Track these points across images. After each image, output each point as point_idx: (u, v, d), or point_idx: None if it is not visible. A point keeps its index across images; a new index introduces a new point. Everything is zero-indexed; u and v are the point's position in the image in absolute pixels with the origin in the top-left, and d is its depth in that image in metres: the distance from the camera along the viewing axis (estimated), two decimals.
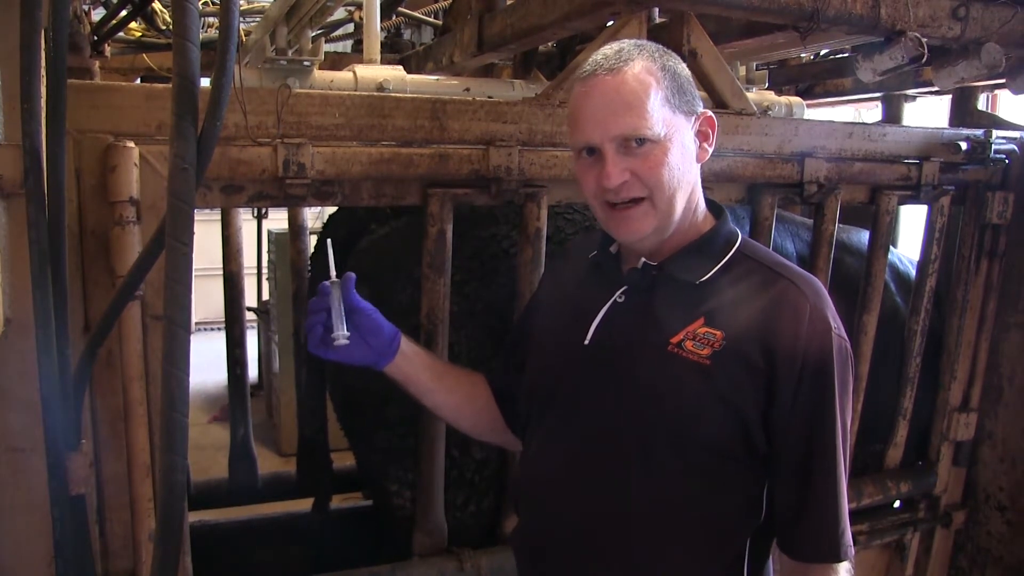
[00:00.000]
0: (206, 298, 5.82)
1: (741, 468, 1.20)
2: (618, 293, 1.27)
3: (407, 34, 4.53)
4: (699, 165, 1.25)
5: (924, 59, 1.92)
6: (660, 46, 1.23)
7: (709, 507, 1.21)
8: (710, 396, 1.16)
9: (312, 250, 2.60)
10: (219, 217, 2.81)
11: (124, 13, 2.43)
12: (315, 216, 6.86)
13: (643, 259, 1.26)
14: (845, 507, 1.19)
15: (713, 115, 1.25)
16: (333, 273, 1.34)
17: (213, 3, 3.04)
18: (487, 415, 1.51)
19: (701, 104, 1.25)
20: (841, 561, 1.19)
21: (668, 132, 1.17)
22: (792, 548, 1.22)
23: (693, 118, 1.22)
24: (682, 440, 1.18)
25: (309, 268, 2.78)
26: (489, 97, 2.28)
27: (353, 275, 1.35)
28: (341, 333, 1.31)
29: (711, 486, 1.20)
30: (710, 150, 1.25)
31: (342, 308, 1.32)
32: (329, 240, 1.40)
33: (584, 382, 1.27)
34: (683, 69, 1.23)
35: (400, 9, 3.61)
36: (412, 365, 1.42)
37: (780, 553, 1.25)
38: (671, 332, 1.19)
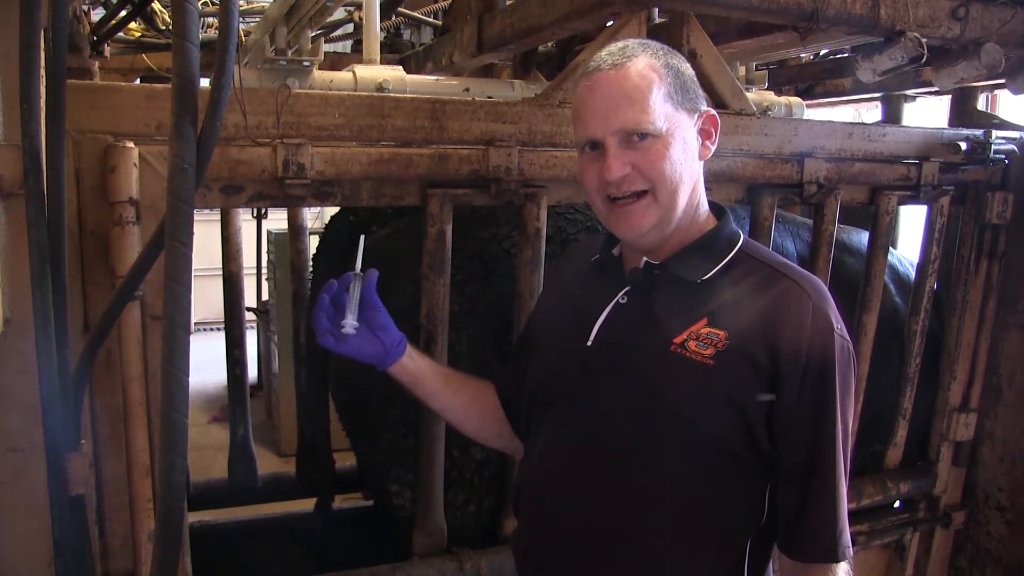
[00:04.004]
0: (206, 298, 5.82)
1: (744, 468, 1.20)
2: (620, 294, 1.27)
3: (407, 34, 4.53)
4: (702, 163, 1.25)
5: (924, 59, 1.92)
6: (664, 45, 1.24)
7: (711, 508, 1.21)
8: (713, 396, 1.16)
9: (313, 250, 2.60)
10: (219, 217, 2.81)
11: (124, 13, 2.43)
12: (314, 216, 6.88)
13: (645, 258, 1.26)
14: (844, 507, 1.19)
15: (716, 114, 1.25)
16: (359, 266, 1.37)
17: (213, 3, 3.04)
18: (493, 420, 1.51)
19: (705, 103, 1.25)
20: (839, 562, 1.19)
21: (670, 127, 1.17)
22: (791, 548, 1.22)
23: (696, 116, 1.23)
24: (685, 440, 1.18)
25: (311, 269, 2.78)
26: (489, 97, 2.28)
27: (376, 272, 1.37)
28: (350, 321, 1.33)
29: (714, 487, 1.20)
30: (713, 148, 1.25)
31: (357, 299, 1.34)
32: (363, 236, 1.43)
33: (587, 383, 1.27)
34: (687, 67, 1.23)
35: (400, 9, 3.61)
36: (418, 366, 1.43)
37: (779, 553, 1.25)
38: (674, 332, 1.19)
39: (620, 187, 1.18)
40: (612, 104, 1.17)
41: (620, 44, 1.22)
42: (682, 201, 1.21)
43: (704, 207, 1.29)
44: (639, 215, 1.20)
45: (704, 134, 1.24)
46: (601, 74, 1.18)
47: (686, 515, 1.21)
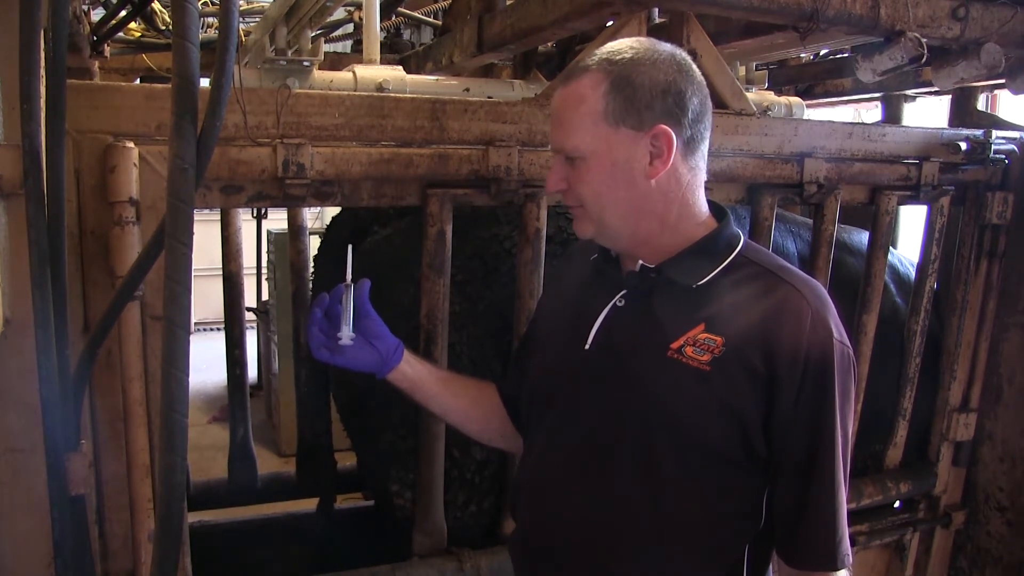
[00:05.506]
0: (206, 298, 5.81)
1: (741, 473, 1.20)
2: (617, 297, 1.26)
3: (407, 34, 4.54)
4: (655, 181, 1.18)
5: (924, 59, 1.92)
6: (647, 49, 1.18)
7: (709, 512, 1.20)
8: (710, 402, 1.15)
9: (314, 251, 2.60)
10: (219, 217, 2.81)
11: (124, 13, 2.43)
12: (314, 216, 6.87)
13: (640, 262, 1.25)
14: (844, 514, 1.18)
15: (670, 130, 1.16)
16: (349, 276, 1.36)
17: (213, 3, 3.04)
18: (496, 420, 1.50)
19: (666, 117, 1.16)
20: (838, 569, 1.18)
21: (597, 149, 1.16)
22: (789, 555, 1.22)
23: (643, 133, 1.16)
24: (682, 445, 1.18)
25: (311, 269, 2.78)
26: (489, 97, 2.28)
27: (368, 281, 1.37)
28: (347, 332, 1.33)
29: (711, 491, 1.20)
30: (665, 167, 1.18)
31: (351, 310, 1.34)
32: (351, 246, 1.42)
33: (584, 386, 1.26)
34: (650, 80, 1.15)
35: (400, 9, 3.61)
36: (416, 372, 1.43)
37: (778, 560, 1.24)
38: (671, 337, 1.18)
39: (563, 199, 1.26)
40: (553, 122, 1.23)
41: (585, 54, 1.23)
42: (613, 220, 1.20)
43: (699, 210, 1.26)
44: (578, 223, 1.26)
45: (655, 152, 1.17)
46: (555, 89, 1.23)
47: (683, 519, 1.20)
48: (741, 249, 1.25)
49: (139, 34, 2.75)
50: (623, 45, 1.20)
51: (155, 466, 1.50)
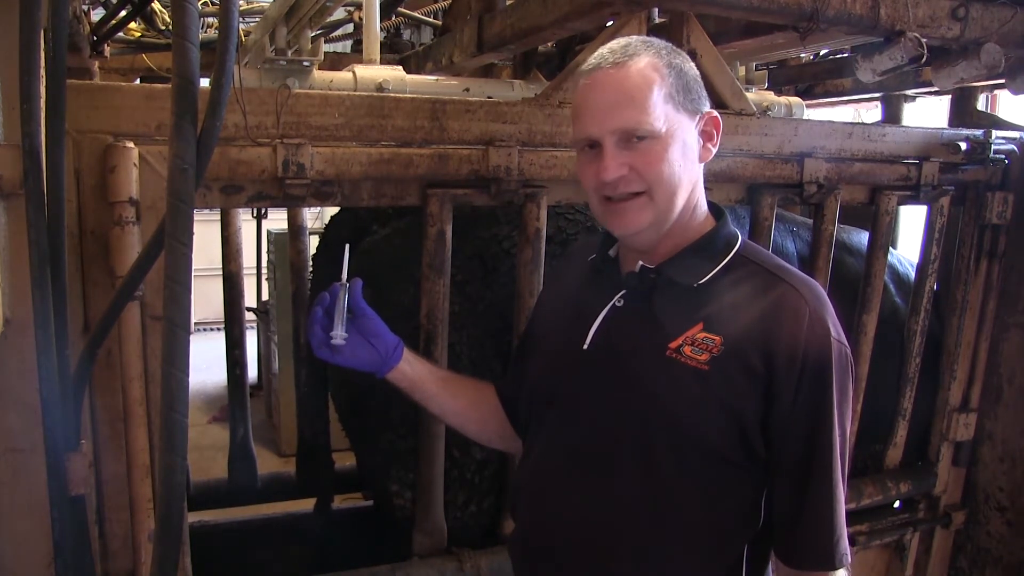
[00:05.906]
0: (206, 298, 5.82)
1: (740, 473, 1.20)
2: (616, 297, 1.26)
3: (407, 34, 4.54)
4: (701, 165, 1.24)
5: (924, 59, 1.92)
6: (668, 43, 1.22)
7: (708, 511, 1.20)
8: (708, 401, 1.15)
9: (314, 251, 2.60)
10: (219, 217, 2.81)
11: (124, 13, 2.43)
12: (314, 216, 6.87)
13: (640, 262, 1.25)
14: (842, 514, 1.18)
15: (718, 115, 1.24)
16: (345, 276, 1.37)
17: (213, 3, 3.04)
18: (494, 422, 1.51)
19: (707, 104, 1.23)
20: (836, 569, 1.18)
21: (669, 128, 1.16)
22: (788, 555, 1.22)
23: (697, 117, 1.21)
24: (681, 445, 1.18)
25: (311, 269, 2.78)
26: (489, 97, 2.28)
27: (360, 281, 1.37)
28: (339, 332, 1.33)
29: (710, 491, 1.20)
30: (714, 150, 1.24)
31: (345, 310, 1.34)
32: (348, 246, 1.42)
33: (583, 386, 1.27)
34: (690, 67, 1.22)
35: (400, 9, 3.61)
36: (416, 371, 1.43)
37: (776, 560, 1.24)
38: (670, 337, 1.19)
39: (616, 188, 1.17)
40: (611, 103, 1.15)
41: (623, 41, 1.20)
42: (679, 203, 1.20)
43: (703, 208, 1.28)
44: (633, 214, 1.19)
45: (705, 136, 1.23)
46: (601, 72, 1.17)
47: (682, 518, 1.21)
48: (739, 248, 1.25)
49: (139, 34, 2.75)
50: (643, 38, 1.22)
51: (155, 466, 1.50)
